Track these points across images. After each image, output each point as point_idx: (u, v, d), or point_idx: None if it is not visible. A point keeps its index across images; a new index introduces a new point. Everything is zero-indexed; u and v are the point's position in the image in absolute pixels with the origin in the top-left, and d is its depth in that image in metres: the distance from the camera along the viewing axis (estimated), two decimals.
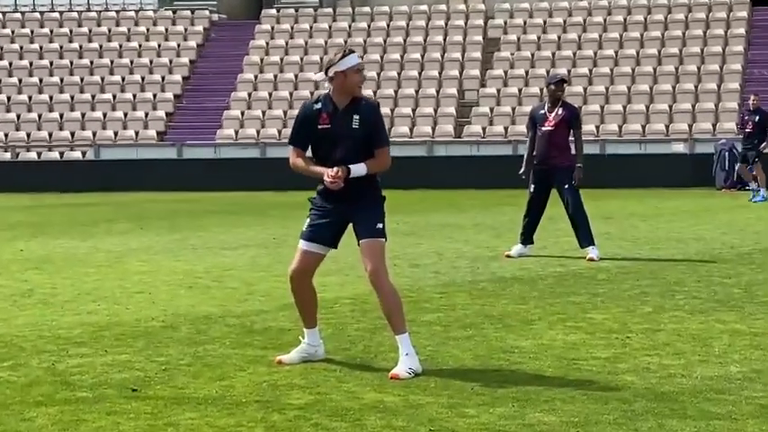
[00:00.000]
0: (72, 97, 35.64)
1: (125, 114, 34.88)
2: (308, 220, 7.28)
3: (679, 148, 30.53)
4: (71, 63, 37.02)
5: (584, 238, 13.08)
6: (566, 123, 13.16)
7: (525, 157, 13.36)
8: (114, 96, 35.56)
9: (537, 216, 13.40)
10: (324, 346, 7.49)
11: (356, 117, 7.06)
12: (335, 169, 6.99)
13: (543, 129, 13.19)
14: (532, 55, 35.12)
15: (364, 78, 7.34)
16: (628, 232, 16.28)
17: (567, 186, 13.13)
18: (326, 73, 7.11)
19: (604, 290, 10.47)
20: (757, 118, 24.12)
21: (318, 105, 7.16)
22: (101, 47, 37.57)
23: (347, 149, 7.04)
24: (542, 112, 13.35)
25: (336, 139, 7.07)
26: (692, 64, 33.89)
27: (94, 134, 34.20)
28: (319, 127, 7.12)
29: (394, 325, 7.11)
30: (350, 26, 37.44)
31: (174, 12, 39.08)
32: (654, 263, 12.54)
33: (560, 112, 13.22)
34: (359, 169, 7.04)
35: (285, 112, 34.09)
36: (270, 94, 35.00)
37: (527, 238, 13.38)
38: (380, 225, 7.13)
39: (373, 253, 7.09)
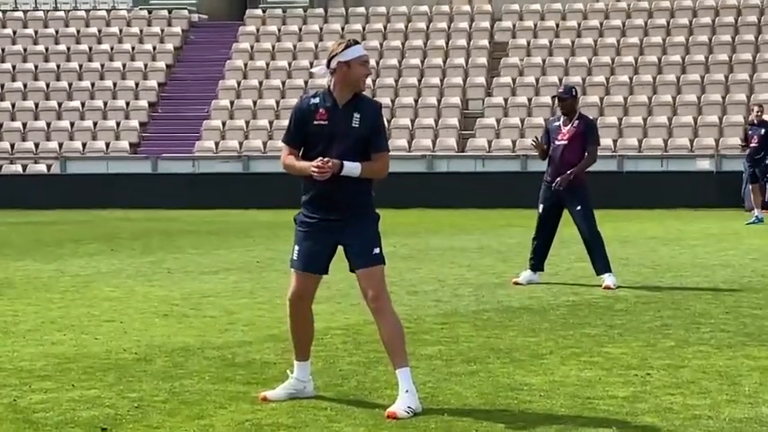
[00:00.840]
0: (36, 105, 35.69)
1: (95, 124, 34.91)
2: (295, 245, 7.30)
3: (704, 164, 30.60)
4: (35, 67, 37.08)
5: (600, 264, 13.10)
6: (581, 137, 13.19)
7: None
8: (83, 104, 35.60)
9: (547, 239, 13.42)
10: (313, 381, 7.49)
11: (357, 115, 7.08)
12: (326, 159, 7.01)
13: (557, 143, 13.23)
14: (543, 61, 35.21)
15: (370, 72, 7.40)
16: (647, 257, 16.29)
17: (578, 208, 13.15)
18: (328, 64, 7.14)
19: (622, 321, 10.47)
20: (763, 131, 24.04)
21: (316, 100, 7.20)
22: (68, 49, 37.64)
23: (344, 149, 7.06)
24: (557, 124, 13.41)
25: (333, 137, 7.09)
26: (719, 73, 33.99)
27: (61, 145, 34.23)
28: (315, 123, 7.14)
29: (395, 357, 7.11)
30: (343, 28, 37.54)
31: (150, 11, 39.18)
32: (676, 292, 12.55)
33: (576, 124, 13.26)
34: (352, 168, 7.04)
35: (271, 123, 34.15)
36: (254, 103, 35.06)
37: (537, 264, 13.39)
38: (377, 250, 7.14)
39: (373, 280, 7.11)
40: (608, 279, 12.90)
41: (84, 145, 34.23)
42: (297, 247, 7.27)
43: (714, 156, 30.76)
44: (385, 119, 34.35)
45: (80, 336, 9.82)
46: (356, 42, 7.21)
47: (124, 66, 36.96)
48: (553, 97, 13.71)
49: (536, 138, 13.90)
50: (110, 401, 7.27)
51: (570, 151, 13.15)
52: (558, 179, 13.09)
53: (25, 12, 39.37)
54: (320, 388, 7.58)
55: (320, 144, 7.11)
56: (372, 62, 35.79)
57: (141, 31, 38.36)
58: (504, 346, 9.22)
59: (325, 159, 6.99)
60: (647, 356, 8.71)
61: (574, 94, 13.48)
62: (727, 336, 9.66)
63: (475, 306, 11.54)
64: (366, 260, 7.12)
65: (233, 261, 16.18)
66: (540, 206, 13.39)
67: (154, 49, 37.63)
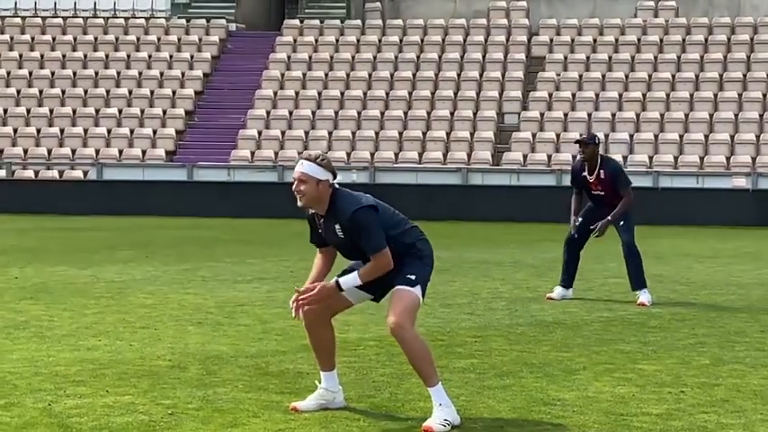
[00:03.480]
0: (74, 111, 35.91)
1: (131, 131, 35.09)
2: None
3: (741, 182, 30.45)
4: (74, 74, 37.31)
5: (636, 279, 13.05)
6: (612, 184, 13.07)
7: (572, 209, 13.31)
8: (120, 111, 35.80)
9: (576, 255, 13.38)
10: (343, 392, 7.49)
11: (337, 226, 7.10)
12: (317, 288, 7.03)
13: (593, 193, 13.19)
14: (580, 76, 35.15)
15: (297, 190, 7.05)
16: (682, 275, 16.23)
17: (622, 223, 13.13)
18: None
19: (656, 338, 10.44)
20: None
21: (311, 210, 7.22)
22: (107, 56, 37.87)
23: (349, 253, 7.20)
24: (583, 174, 13.19)
25: (332, 244, 7.23)
26: (756, 90, 33.84)
27: (97, 152, 34.41)
28: (318, 231, 7.28)
29: (424, 378, 7.09)
30: (380, 40, 37.59)
31: (188, 20, 39.36)
32: (711, 310, 12.49)
33: (602, 173, 13.10)
34: (350, 281, 7.07)
35: (306, 133, 34.23)
36: (290, 113, 35.16)
37: (568, 281, 13.36)
38: (413, 276, 7.13)
39: (401, 302, 7.05)
40: (643, 296, 12.85)
41: (120, 152, 34.40)
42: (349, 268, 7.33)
43: (751, 173, 30.60)
44: (420, 131, 34.39)
45: (115, 342, 9.87)
46: (301, 158, 7.11)
47: (162, 74, 37.14)
48: (576, 141, 13.58)
49: (575, 221, 13.50)
50: (143, 408, 7.30)
51: (609, 196, 13.04)
52: (599, 225, 12.98)
53: (65, 18, 39.62)
54: (353, 399, 7.58)
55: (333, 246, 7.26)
56: (408, 74, 35.86)
57: (179, 39, 38.54)
58: (538, 360, 9.21)
59: (313, 285, 7.04)
60: (681, 374, 8.68)
61: (597, 141, 13.22)
62: (763, 355, 9.61)
63: (508, 320, 11.52)
64: (400, 281, 7.12)
65: (267, 270, 16.22)
66: (578, 220, 13.25)
67: (191, 57, 37.80)
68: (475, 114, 34.39)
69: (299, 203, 7.09)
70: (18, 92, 36.81)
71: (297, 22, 38.97)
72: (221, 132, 35.24)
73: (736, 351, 9.78)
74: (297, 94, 35.84)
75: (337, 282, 7.06)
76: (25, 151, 34.82)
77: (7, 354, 9.22)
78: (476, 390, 8.01)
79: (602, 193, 13.09)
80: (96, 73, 37.27)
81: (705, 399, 7.81)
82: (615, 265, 17.03)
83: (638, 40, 36.35)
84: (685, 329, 10.98)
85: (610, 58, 35.74)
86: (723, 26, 36.35)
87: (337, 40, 37.82)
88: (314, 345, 7.42)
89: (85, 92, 36.59)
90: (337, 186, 7.06)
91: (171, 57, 37.81)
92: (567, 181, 31.34)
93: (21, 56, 38.14)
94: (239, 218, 29.49)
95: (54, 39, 38.82)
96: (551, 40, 36.77)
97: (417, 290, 7.11)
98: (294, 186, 7.04)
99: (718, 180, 30.72)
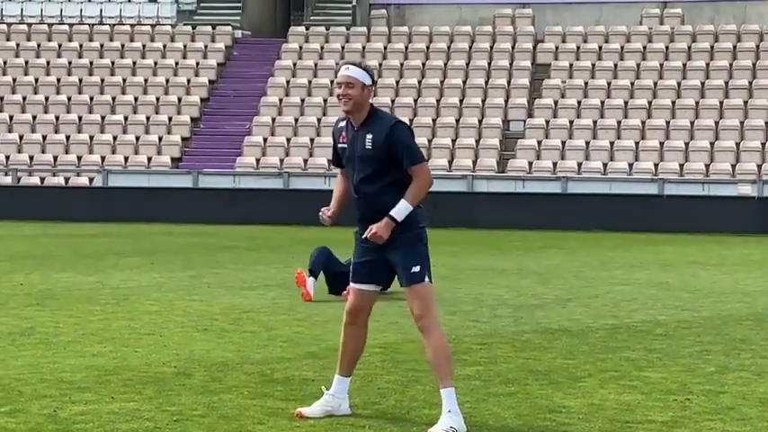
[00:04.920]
0: (80, 118, 35.95)
1: (137, 138, 35.12)
2: (353, 257, 7.40)
3: (746, 189, 30.42)
4: (80, 80, 37.35)
5: None
6: None
7: None
8: (126, 118, 35.83)
9: None
10: (349, 399, 7.50)
11: (369, 136, 7.10)
12: (372, 229, 7.03)
13: None
14: (585, 84, 35.15)
15: (344, 94, 7.14)
16: (688, 282, 16.21)
17: None
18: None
19: (662, 346, 10.43)
20: None
21: (342, 123, 7.28)
22: (113, 63, 37.92)
23: (366, 172, 7.13)
24: None
25: (354, 160, 7.18)
26: (762, 98, 33.83)
27: (103, 159, 34.45)
28: (339, 146, 7.25)
29: (440, 377, 7.12)
30: (385, 47, 37.62)
31: (194, 27, 39.40)
32: (717, 317, 12.48)
33: None
34: (401, 211, 7.04)
35: (312, 140, 34.25)
36: (296, 120, 35.18)
37: None
38: (417, 268, 7.14)
39: (416, 299, 7.13)
40: None
41: (126, 158, 34.42)
42: (353, 262, 7.36)
43: (756, 181, 30.58)
44: (425, 138, 34.35)
45: (120, 348, 9.88)
46: (346, 62, 7.20)
47: (167, 80, 37.17)
48: None
49: None
50: (149, 414, 7.30)
51: None
52: None
53: (71, 25, 39.66)
54: (358, 406, 7.59)
55: (349, 167, 7.21)
56: (414, 81, 35.88)
57: (185, 46, 38.57)
58: (543, 367, 9.20)
59: (373, 230, 7.02)
60: (687, 381, 8.67)
61: None
62: None
63: (514, 327, 11.52)
64: (406, 279, 7.15)
65: (272, 277, 16.22)
66: None
67: (197, 64, 37.83)
68: (480, 121, 34.39)
69: (345, 107, 7.12)
70: (24, 98, 36.85)
71: (302, 29, 39.00)
72: (227, 139, 35.26)
73: (741, 359, 9.77)
74: (302, 101, 35.86)
75: (390, 216, 7.02)
76: (31, 158, 34.85)
77: (12, 360, 9.23)
78: (481, 397, 8.01)
79: None
80: (102, 80, 37.31)
81: (711, 406, 7.80)
82: (620, 273, 17.02)
83: (644, 47, 36.34)
84: (691, 337, 10.97)
85: (615, 65, 35.73)
86: (729, 33, 36.34)
87: (343, 47, 37.84)
88: (345, 345, 7.41)
89: (91, 98, 36.62)
90: None
91: (177, 64, 37.85)
92: (572, 188, 31.56)
93: (27, 62, 38.19)
94: (244, 224, 29.50)
95: (60, 45, 38.86)
96: (557, 48, 36.77)
97: (426, 279, 7.15)
98: (341, 90, 7.10)
99: (724, 187, 30.69)
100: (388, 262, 7.22)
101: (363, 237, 7.11)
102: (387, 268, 7.28)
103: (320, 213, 7.31)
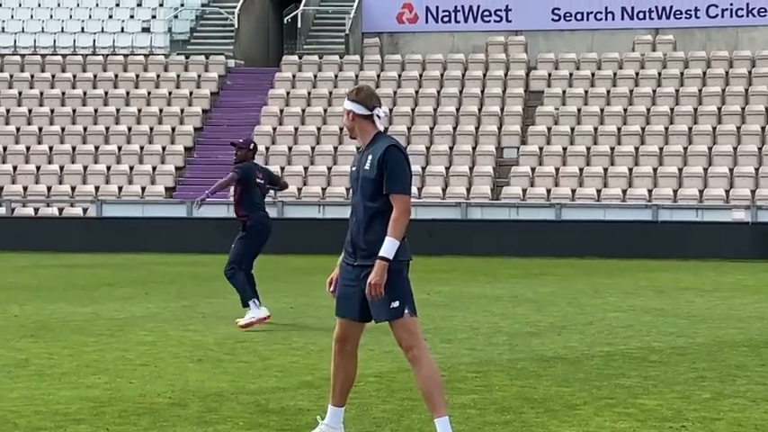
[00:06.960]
0: (73, 148, 35.97)
1: (131, 168, 35.14)
2: (339, 289, 7.41)
3: (740, 215, 30.48)
4: (73, 111, 37.40)
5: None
6: None
7: None
8: (119, 148, 35.86)
9: None
10: (344, 429, 7.49)
11: (369, 158, 7.19)
12: (370, 282, 7.04)
13: None
14: (579, 110, 35.25)
15: (347, 125, 7.39)
16: (683, 308, 16.22)
17: None
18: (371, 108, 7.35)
19: (657, 372, 10.43)
20: None
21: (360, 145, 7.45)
22: (106, 93, 37.97)
23: (360, 194, 7.22)
24: None
25: (357, 181, 7.29)
26: (754, 123, 33.91)
27: (97, 189, 34.46)
28: (351, 169, 7.41)
29: (432, 407, 7.11)
30: (378, 75, 37.71)
31: (187, 56, 39.48)
32: (712, 344, 12.49)
33: None
34: (389, 249, 7.06)
35: (306, 168, 34.28)
36: (289, 149, 35.23)
37: None
38: (396, 303, 7.14)
39: (403, 331, 7.13)
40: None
41: (120, 188, 34.43)
42: (337, 294, 7.37)
43: (750, 206, 30.64)
44: (419, 165, 34.33)
45: (115, 379, 9.87)
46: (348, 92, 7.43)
47: (161, 110, 37.23)
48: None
49: None
50: None
51: None
52: None
53: (64, 56, 39.73)
54: None
55: (354, 187, 7.36)
56: (407, 109, 35.95)
57: (178, 75, 38.64)
58: (539, 395, 9.21)
59: (372, 280, 7.04)
60: (682, 408, 8.68)
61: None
62: (764, 389, 9.61)
63: (509, 355, 11.52)
64: (386, 315, 7.15)
65: (267, 307, 16.20)
66: None
67: (190, 93, 37.89)
68: (474, 149, 34.45)
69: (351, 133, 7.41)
70: (17, 129, 36.87)
71: (295, 57, 39.10)
72: (221, 168, 35.19)
73: (737, 385, 9.77)
74: (296, 129, 35.91)
75: (381, 257, 7.04)
76: (25, 188, 34.86)
77: (7, 392, 9.22)
78: (477, 426, 8.01)
79: None
80: (96, 110, 37.35)
81: None
82: (615, 299, 17.04)
83: (637, 74, 36.45)
84: (686, 363, 10.97)
85: (608, 92, 35.83)
86: (721, 59, 36.46)
87: (336, 76, 37.93)
88: (335, 375, 7.42)
89: (85, 129, 36.66)
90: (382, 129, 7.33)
91: (170, 93, 37.91)
92: (566, 215, 31.61)
93: (20, 93, 38.23)
94: None
95: (53, 76, 38.92)
96: (549, 75, 36.87)
97: (407, 313, 7.14)
98: (346, 117, 7.37)
99: (718, 213, 30.73)
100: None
101: (365, 292, 7.09)
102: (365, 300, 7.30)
103: (329, 289, 7.42)
